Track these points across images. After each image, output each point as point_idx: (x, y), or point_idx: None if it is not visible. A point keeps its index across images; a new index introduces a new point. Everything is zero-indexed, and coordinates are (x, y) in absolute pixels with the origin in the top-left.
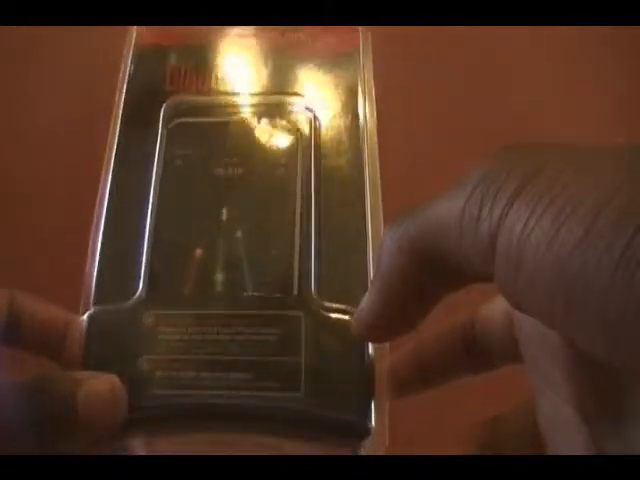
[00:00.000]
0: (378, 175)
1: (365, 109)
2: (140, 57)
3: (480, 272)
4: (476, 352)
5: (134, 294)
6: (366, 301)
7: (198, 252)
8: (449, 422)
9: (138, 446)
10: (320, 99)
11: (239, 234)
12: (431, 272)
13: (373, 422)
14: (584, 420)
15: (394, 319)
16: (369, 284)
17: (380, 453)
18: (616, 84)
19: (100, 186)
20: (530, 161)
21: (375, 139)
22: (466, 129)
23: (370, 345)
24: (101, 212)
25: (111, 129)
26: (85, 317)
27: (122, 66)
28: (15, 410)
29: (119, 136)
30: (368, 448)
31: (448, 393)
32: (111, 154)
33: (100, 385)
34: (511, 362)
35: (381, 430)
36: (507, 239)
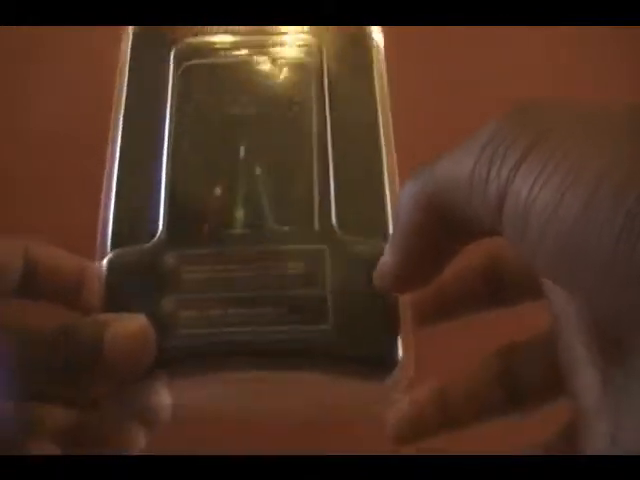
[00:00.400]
0: (388, 108)
1: (376, 39)
2: None
3: (490, 229)
4: (497, 287)
5: (154, 236)
6: (387, 254)
7: (217, 190)
8: (475, 355)
9: (165, 387)
10: (330, 32)
11: (258, 171)
12: (446, 227)
13: (400, 353)
14: (599, 358)
15: (413, 271)
16: (388, 220)
17: (405, 384)
18: (616, 84)
19: (111, 128)
20: (539, 122)
21: (385, 73)
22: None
23: None
24: (114, 155)
25: (118, 78)
26: (105, 261)
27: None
28: (41, 358)
29: (128, 81)
30: (394, 379)
31: (475, 326)
32: (120, 99)
33: (127, 326)
34: (532, 298)
35: (408, 361)
36: (514, 203)
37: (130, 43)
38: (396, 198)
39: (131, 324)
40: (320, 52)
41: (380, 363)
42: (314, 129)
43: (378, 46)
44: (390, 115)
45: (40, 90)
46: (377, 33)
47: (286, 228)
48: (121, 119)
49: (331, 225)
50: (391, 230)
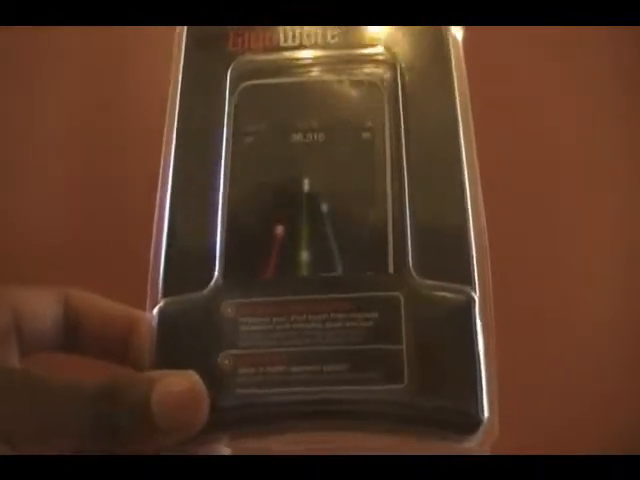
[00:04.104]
0: (472, 132)
1: (453, 54)
2: None
3: None
4: None
5: (209, 282)
6: None
7: (279, 230)
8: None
9: (221, 450)
10: (403, 49)
11: (324, 207)
12: None
13: (485, 412)
14: None
15: None
16: (471, 262)
17: (489, 445)
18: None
19: (162, 163)
20: None
21: (467, 87)
22: None
23: (478, 324)
24: (165, 193)
25: (170, 101)
26: (155, 311)
27: (177, 30)
28: (86, 418)
29: (181, 108)
30: (478, 440)
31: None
32: (172, 129)
33: (176, 384)
34: None
35: (492, 420)
36: None
37: (182, 66)
38: (480, 236)
39: (180, 382)
40: (394, 68)
41: (462, 425)
42: (387, 157)
43: (458, 58)
44: (473, 136)
45: (91, 125)
46: (457, 45)
47: (356, 273)
48: (173, 154)
49: (408, 268)
50: (475, 272)
